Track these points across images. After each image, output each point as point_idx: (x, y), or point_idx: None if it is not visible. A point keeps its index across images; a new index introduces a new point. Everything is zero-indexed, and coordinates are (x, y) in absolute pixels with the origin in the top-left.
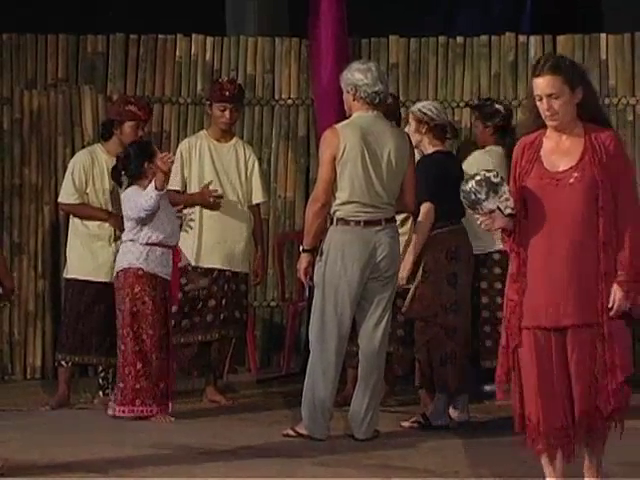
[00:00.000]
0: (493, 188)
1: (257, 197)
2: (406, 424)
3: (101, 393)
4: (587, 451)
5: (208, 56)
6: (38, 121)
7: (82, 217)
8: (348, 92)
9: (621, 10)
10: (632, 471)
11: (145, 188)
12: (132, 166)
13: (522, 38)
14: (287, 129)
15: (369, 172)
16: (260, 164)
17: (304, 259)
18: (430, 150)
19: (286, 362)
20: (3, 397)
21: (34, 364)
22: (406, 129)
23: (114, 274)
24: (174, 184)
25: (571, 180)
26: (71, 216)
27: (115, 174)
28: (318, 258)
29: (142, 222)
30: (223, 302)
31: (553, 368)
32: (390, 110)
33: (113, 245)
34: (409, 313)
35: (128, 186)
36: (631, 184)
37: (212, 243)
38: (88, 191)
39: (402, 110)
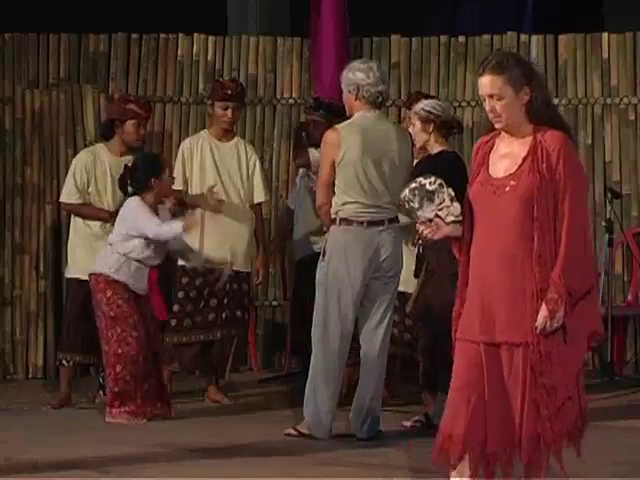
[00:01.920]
0: (428, 196)
1: (258, 196)
2: (408, 424)
3: (101, 392)
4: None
5: (210, 55)
6: (40, 120)
7: (83, 217)
8: (350, 92)
9: (623, 10)
10: (633, 470)
11: (148, 203)
12: (138, 178)
13: (524, 37)
14: (289, 128)
15: (371, 172)
16: (262, 163)
17: None
18: (436, 150)
19: (288, 361)
20: (5, 396)
21: (36, 363)
22: (410, 129)
23: (88, 275)
24: (175, 184)
25: (507, 188)
26: (73, 215)
27: (121, 184)
28: (321, 258)
29: (135, 238)
30: (225, 301)
31: (484, 384)
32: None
33: None
34: (413, 313)
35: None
36: (574, 194)
37: (214, 242)
38: (90, 191)
39: (403, 110)
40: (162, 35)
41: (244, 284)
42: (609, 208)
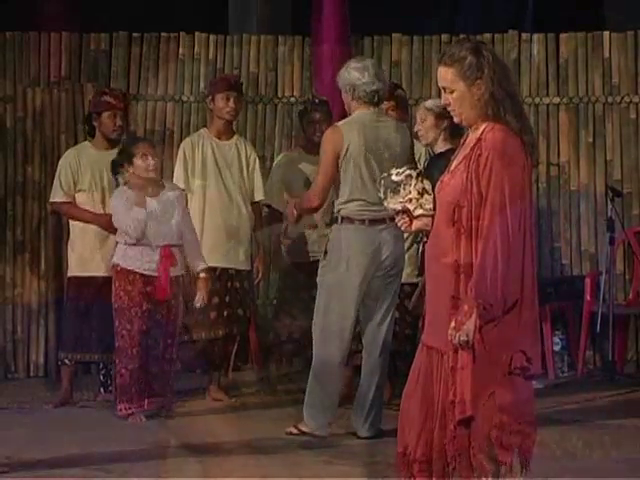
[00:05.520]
0: (392, 187)
1: (258, 195)
2: None
3: (102, 390)
4: None
5: (211, 54)
6: (41, 119)
7: (69, 217)
8: (346, 92)
9: (624, 8)
10: (634, 469)
11: (134, 189)
12: (113, 166)
13: (525, 36)
14: (290, 127)
15: (372, 169)
16: (262, 162)
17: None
18: (443, 148)
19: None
20: (6, 395)
21: (37, 362)
22: (415, 127)
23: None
24: (178, 183)
25: (443, 186)
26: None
27: (113, 169)
28: (322, 257)
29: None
30: (226, 300)
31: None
32: (401, 101)
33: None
34: (416, 309)
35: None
36: (496, 202)
37: (214, 241)
38: (79, 188)
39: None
40: (163, 34)
41: (245, 282)
42: (610, 207)
